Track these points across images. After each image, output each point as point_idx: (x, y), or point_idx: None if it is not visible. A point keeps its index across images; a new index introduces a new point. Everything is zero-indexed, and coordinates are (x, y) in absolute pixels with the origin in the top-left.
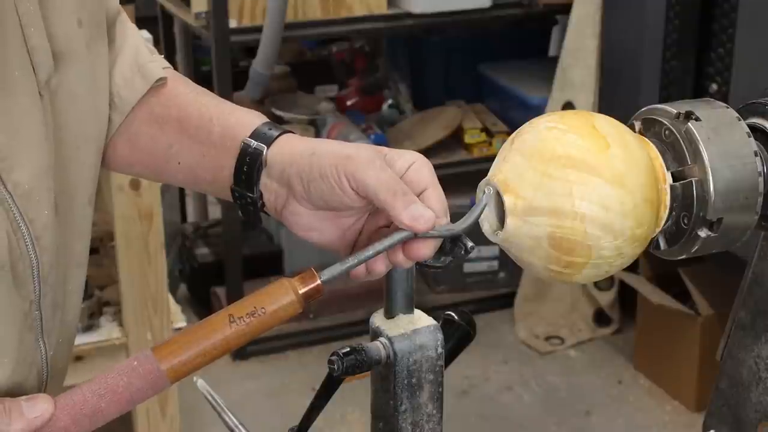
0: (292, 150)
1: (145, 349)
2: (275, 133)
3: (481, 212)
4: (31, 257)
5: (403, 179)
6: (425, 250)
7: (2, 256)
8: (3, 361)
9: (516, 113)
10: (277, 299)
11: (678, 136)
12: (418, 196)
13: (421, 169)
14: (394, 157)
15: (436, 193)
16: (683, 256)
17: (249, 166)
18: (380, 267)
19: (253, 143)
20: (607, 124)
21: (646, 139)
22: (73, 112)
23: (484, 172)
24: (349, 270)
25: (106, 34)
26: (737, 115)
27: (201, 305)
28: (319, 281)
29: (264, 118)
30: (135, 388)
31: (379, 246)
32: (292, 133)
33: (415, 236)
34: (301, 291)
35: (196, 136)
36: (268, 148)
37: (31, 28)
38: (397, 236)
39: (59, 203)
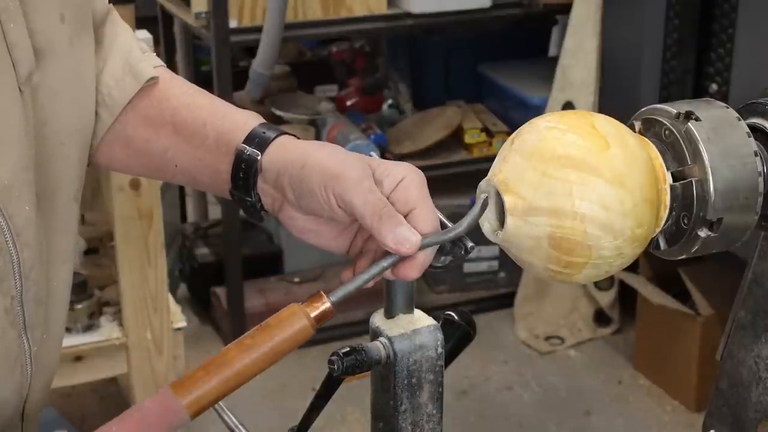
0: (285, 157)
1: (163, 387)
2: (271, 135)
3: (480, 214)
4: (12, 253)
5: (390, 197)
6: (411, 272)
7: None
8: None
9: (516, 113)
10: (289, 326)
11: (678, 136)
12: (406, 215)
13: (409, 186)
14: (384, 173)
15: (424, 214)
16: (683, 256)
17: (245, 172)
18: (369, 283)
19: (248, 149)
20: (607, 124)
21: (646, 139)
22: (56, 107)
23: (484, 172)
24: (356, 289)
25: (92, 31)
26: (737, 115)
27: (201, 305)
28: (329, 303)
29: (260, 119)
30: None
31: (378, 266)
32: (288, 134)
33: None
34: (313, 315)
35: (191, 141)
36: (262, 154)
37: (10, 23)
38: (391, 258)
39: (42, 199)
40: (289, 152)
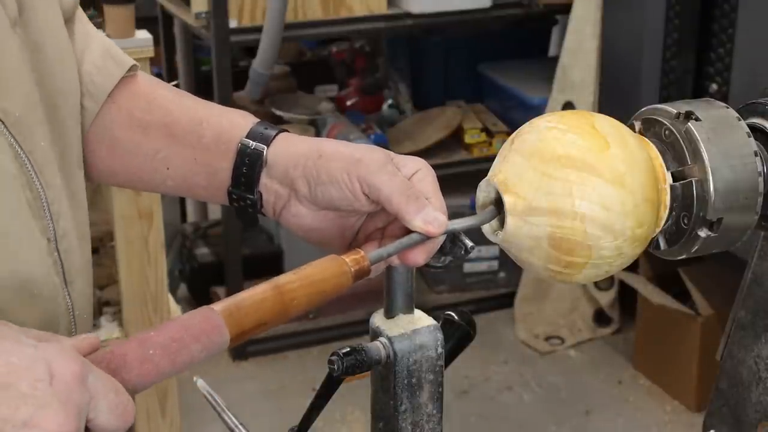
0: (294, 150)
1: (203, 307)
2: (272, 132)
3: (489, 220)
4: (38, 188)
5: None
6: (420, 257)
7: (9, 167)
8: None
9: (516, 113)
10: (330, 271)
11: (678, 136)
12: None
13: (425, 178)
14: (399, 164)
15: (438, 205)
16: (683, 256)
17: (248, 167)
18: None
19: (252, 143)
20: (607, 124)
21: (646, 139)
22: (44, 62)
23: (484, 172)
24: (388, 255)
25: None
26: (737, 115)
27: (201, 305)
28: (368, 261)
29: (256, 119)
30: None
31: (408, 238)
32: (288, 132)
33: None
34: (353, 269)
35: (185, 140)
36: (267, 147)
37: None
38: (416, 236)
39: (61, 165)
40: (297, 145)
